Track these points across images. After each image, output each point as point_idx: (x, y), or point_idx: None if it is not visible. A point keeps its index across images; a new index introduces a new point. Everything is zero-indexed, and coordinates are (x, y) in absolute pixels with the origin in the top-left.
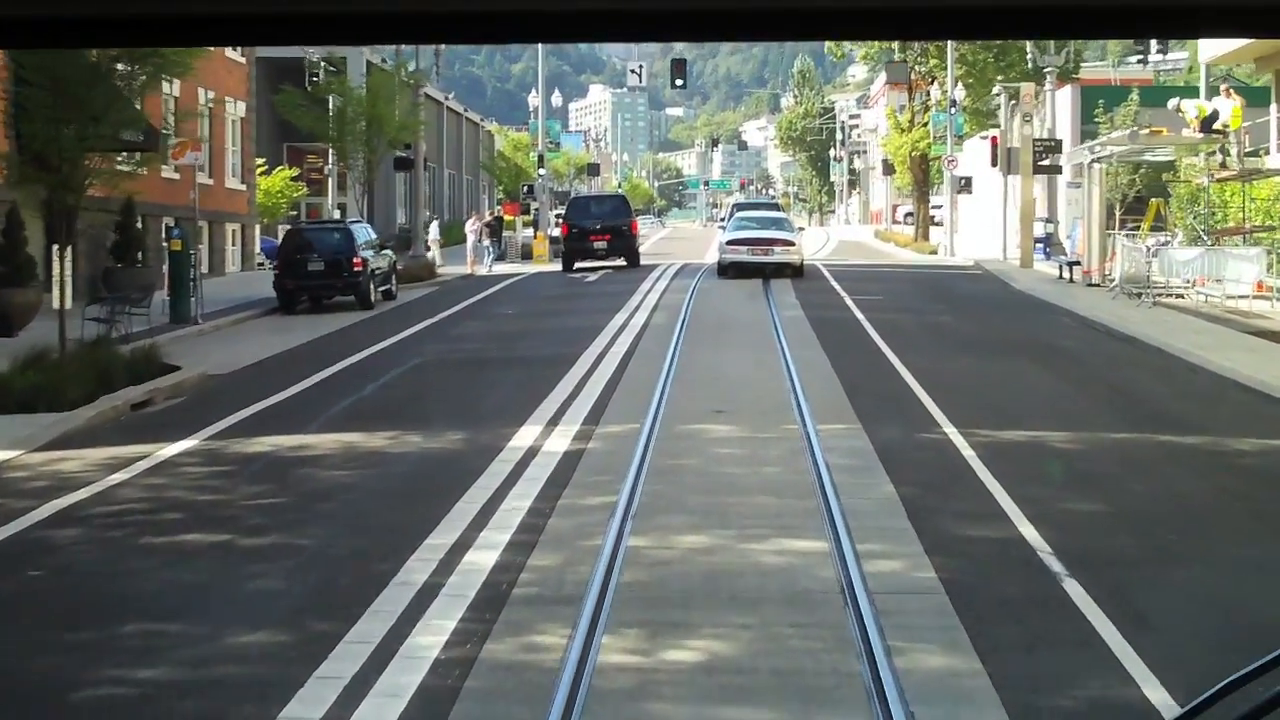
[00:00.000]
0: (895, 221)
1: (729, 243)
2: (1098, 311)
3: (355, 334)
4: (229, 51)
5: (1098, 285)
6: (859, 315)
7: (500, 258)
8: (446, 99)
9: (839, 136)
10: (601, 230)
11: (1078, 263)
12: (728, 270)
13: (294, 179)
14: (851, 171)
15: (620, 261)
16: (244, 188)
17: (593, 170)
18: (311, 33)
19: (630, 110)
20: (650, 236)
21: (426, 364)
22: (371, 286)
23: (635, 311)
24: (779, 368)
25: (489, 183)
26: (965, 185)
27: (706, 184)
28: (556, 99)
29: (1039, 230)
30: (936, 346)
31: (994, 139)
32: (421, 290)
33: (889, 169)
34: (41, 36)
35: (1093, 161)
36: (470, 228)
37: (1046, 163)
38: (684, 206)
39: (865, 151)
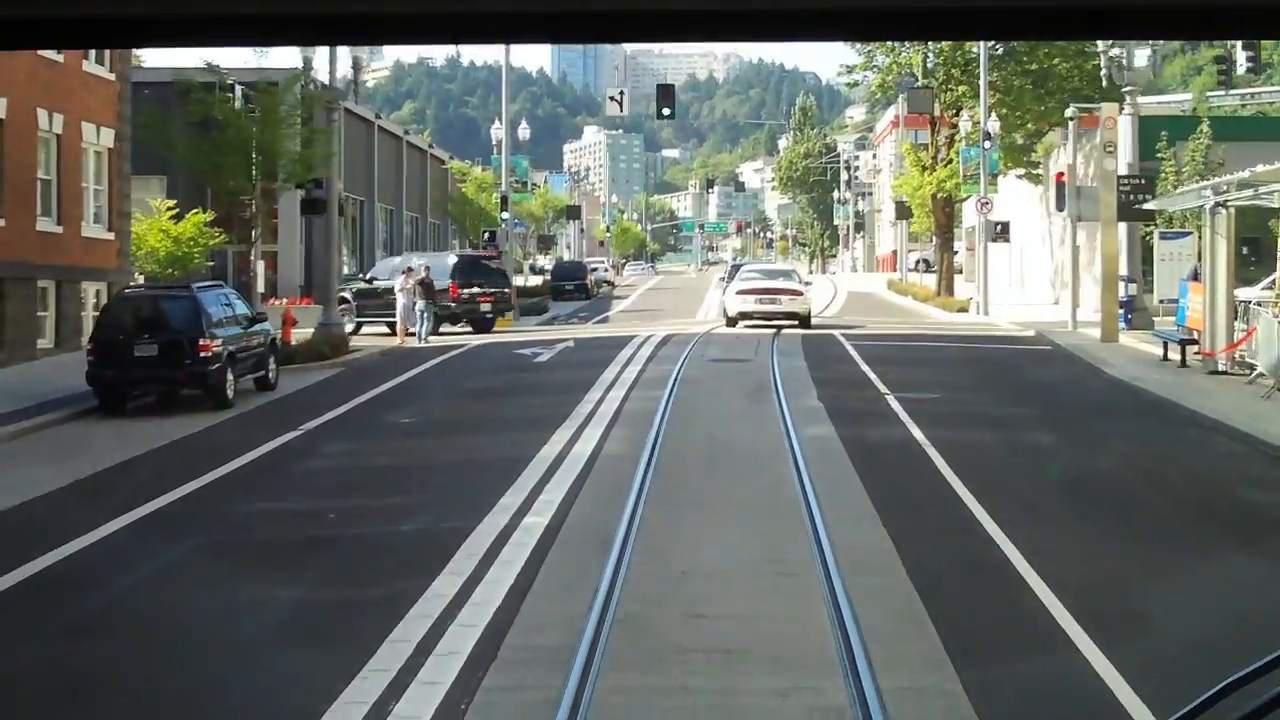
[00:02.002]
0: (911, 269)
1: (738, 292)
2: (1260, 423)
3: (160, 464)
4: (88, 64)
5: (1225, 372)
6: (915, 432)
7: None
8: (406, 132)
9: (844, 177)
10: (485, 291)
11: (1193, 341)
12: (735, 320)
13: (210, 224)
14: (857, 214)
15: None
16: (111, 236)
17: (572, 213)
18: (308, 33)
19: (626, 152)
20: (637, 286)
21: (197, 557)
22: (229, 376)
23: (586, 424)
24: (811, 574)
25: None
26: (1002, 232)
27: (702, 227)
28: (524, 131)
29: (1117, 291)
30: (1058, 506)
31: (1059, 176)
32: (319, 373)
33: (904, 212)
34: (42, 36)
35: (1217, 205)
36: (399, 287)
37: (1144, 205)
38: (679, 250)
39: (870, 193)
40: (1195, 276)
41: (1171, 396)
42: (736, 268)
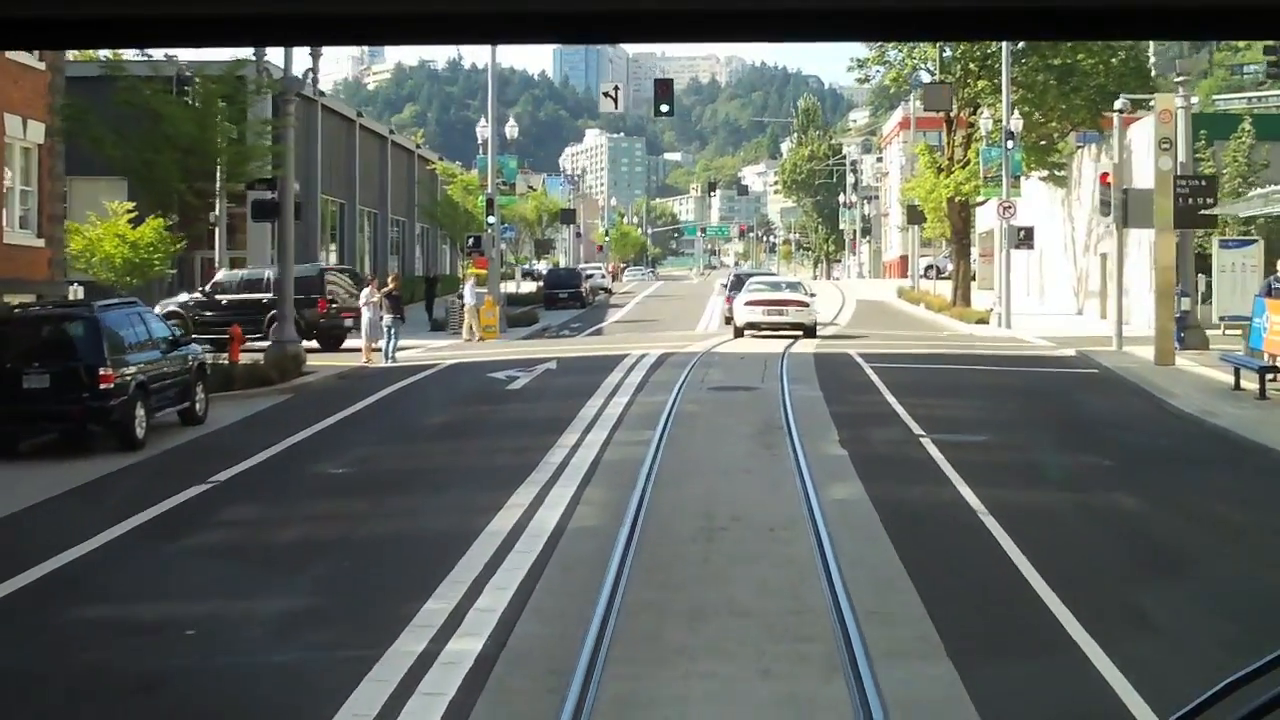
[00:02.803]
0: (920, 276)
1: (746, 303)
2: None
3: (5, 539)
4: (12, 51)
5: None
6: (966, 493)
7: (446, 325)
8: (391, 132)
9: (850, 180)
10: (348, 306)
11: (1275, 368)
12: (743, 330)
13: (170, 228)
14: (864, 219)
15: None
16: (42, 243)
17: (566, 217)
18: (307, 34)
19: (627, 155)
20: (635, 294)
21: None
22: (138, 412)
23: (555, 480)
24: None
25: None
26: (1025, 238)
27: (704, 231)
28: (512, 130)
29: (1173, 308)
30: (1186, 621)
31: (1104, 177)
32: (262, 401)
33: (917, 216)
34: (42, 36)
35: None
36: (363, 300)
37: (1208, 210)
38: (681, 254)
39: (876, 197)
40: (1270, 292)
41: (1265, 440)
42: (739, 277)
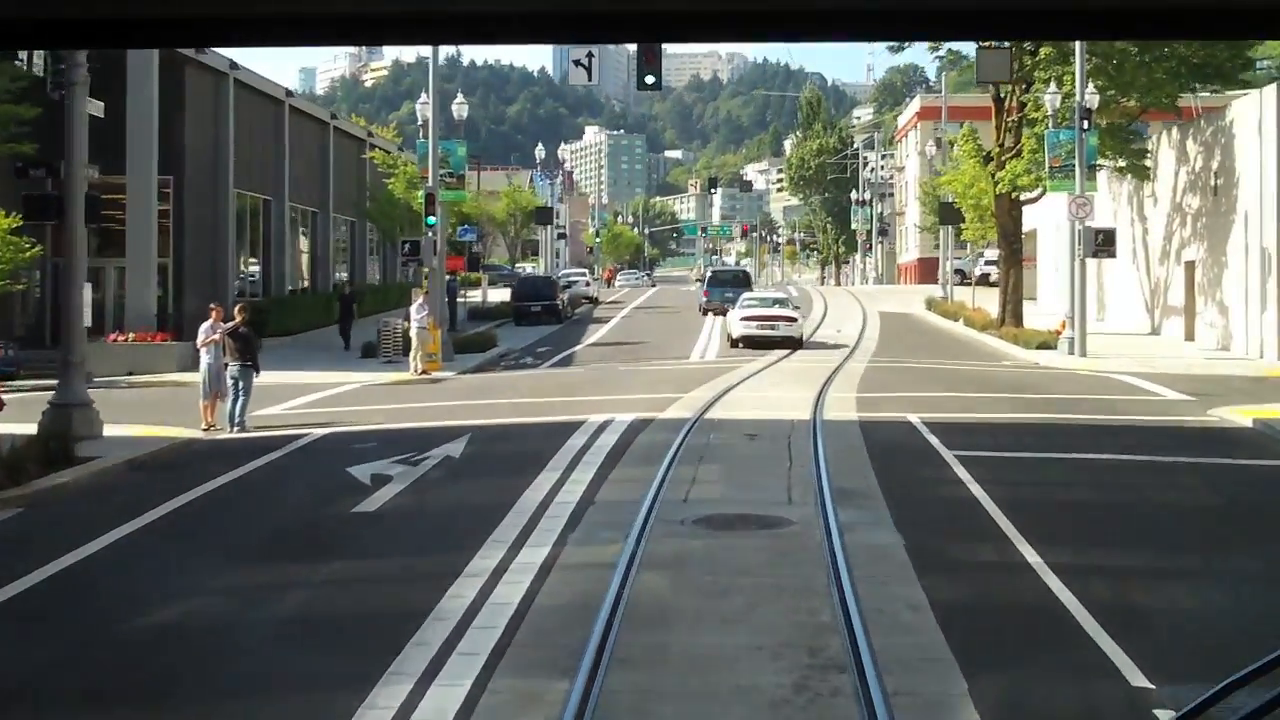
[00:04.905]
0: (959, 283)
1: (741, 319)
2: None
3: None
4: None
5: None
6: None
7: (378, 351)
8: (334, 118)
9: (862, 176)
10: None
11: None
12: (738, 342)
13: (17, 230)
14: (880, 219)
15: None
16: None
17: (542, 216)
18: (311, 34)
19: (627, 153)
20: (625, 303)
21: None
22: None
23: None
24: None
25: None
26: (1104, 242)
27: (704, 230)
28: (461, 109)
29: None
30: None
31: None
32: None
33: (952, 215)
34: (43, 37)
35: None
36: (202, 338)
37: None
38: (681, 254)
39: (890, 194)
40: None
41: None
42: (715, 274)
